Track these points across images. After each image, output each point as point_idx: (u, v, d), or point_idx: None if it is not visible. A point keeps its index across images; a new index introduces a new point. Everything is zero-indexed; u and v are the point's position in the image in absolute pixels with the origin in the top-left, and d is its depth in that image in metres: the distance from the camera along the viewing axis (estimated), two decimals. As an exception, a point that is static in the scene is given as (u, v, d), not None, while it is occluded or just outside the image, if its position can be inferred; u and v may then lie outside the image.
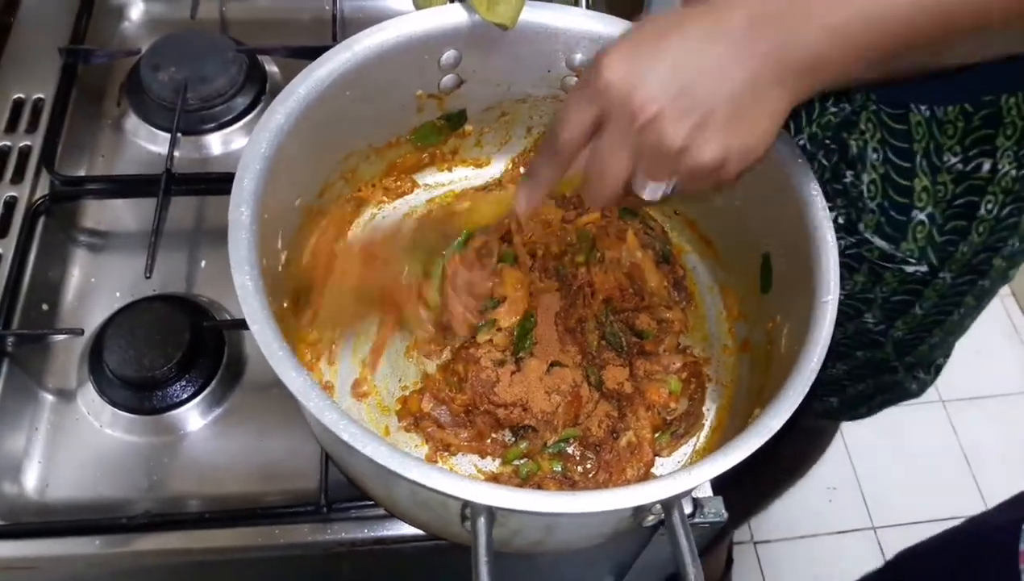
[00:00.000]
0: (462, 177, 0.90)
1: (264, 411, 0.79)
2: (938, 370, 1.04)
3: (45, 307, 0.83)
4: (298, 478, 0.76)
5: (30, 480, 0.75)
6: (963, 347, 1.04)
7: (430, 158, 0.88)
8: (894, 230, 0.80)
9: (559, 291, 0.83)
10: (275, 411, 0.79)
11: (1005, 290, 2.20)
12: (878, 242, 0.81)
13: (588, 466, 0.76)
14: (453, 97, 0.82)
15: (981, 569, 0.83)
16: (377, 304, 0.79)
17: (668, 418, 0.78)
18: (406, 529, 0.72)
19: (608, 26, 0.76)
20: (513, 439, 0.76)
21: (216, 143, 0.97)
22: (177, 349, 0.78)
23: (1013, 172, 0.74)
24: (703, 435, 0.79)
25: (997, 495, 0.90)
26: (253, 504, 0.74)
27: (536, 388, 0.76)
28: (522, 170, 0.91)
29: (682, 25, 0.55)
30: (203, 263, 0.88)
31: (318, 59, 0.71)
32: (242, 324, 0.59)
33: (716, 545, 1.66)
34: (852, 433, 1.92)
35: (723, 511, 0.71)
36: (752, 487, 1.50)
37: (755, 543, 1.82)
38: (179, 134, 0.92)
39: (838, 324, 0.91)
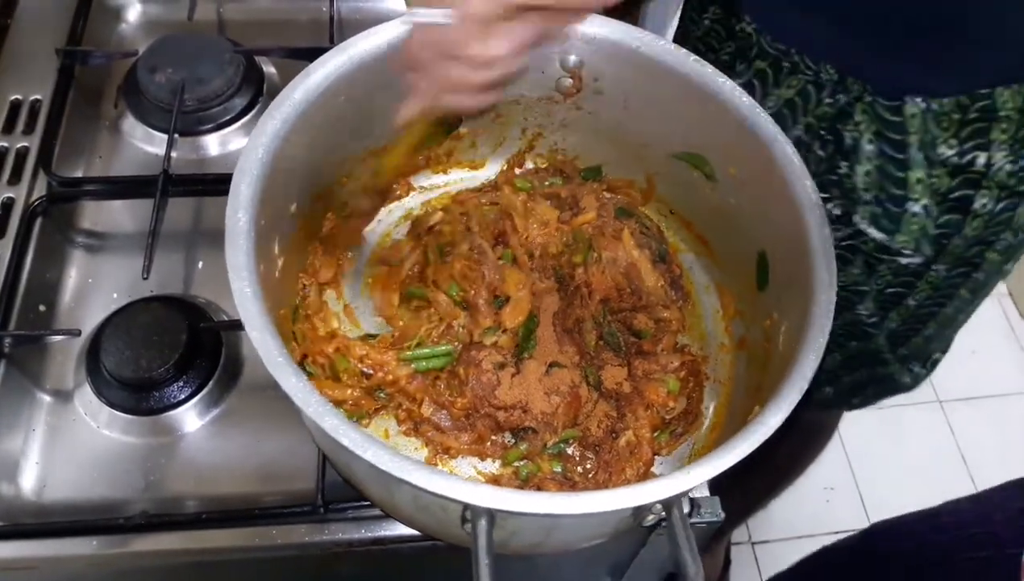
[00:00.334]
0: (457, 179, 0.91)
1: (261, 412, 0.79)
2: (934, 364, 1.04)
3: (42, 308, 0.83)
4: (295, 479, 0.76)
5: (27, 481, 0.75)
6: (960, 347, 1.04)
7: (425, 161, 0.88)
8: (889, 221, 0.80)
9: (557, 292, 0.83)
10: (272, 412, 0.79)
11: (1002, 290, 2.21)
12: (873, 233, 0.81)
13: (588, 466, 0.76)
14: (448, 99, 0.82)
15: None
16: None
17: (667, 417, 0.78)
18: (403, 530, 0.72)
19: (601, 28, 0.76)
20: (513, 441, 0.76)
21: (213, 144, 0.97)
22: (174, 350, 0.78)
23: (1008, 166, 0.75)
24: (702, 433, 0.79)
25: (994, 495, 0.91)
26: (250, 505, 0.74)
27: (536, 390, 0.76)
28: (517, 172, 0.91)
29: None
30: (200, 264, 0.88)
31: (313, 64, 0.71)
32: (239, 325, 0.59)
33: (714, 545, 1.66)
34: (850, 434, 1.92)
35: (720, 511, 0.71)
36: (750, 487, 1.50)
37: (753, 543, 1.82)
38: (176, 135, 0.92)
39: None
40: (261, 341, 0.57)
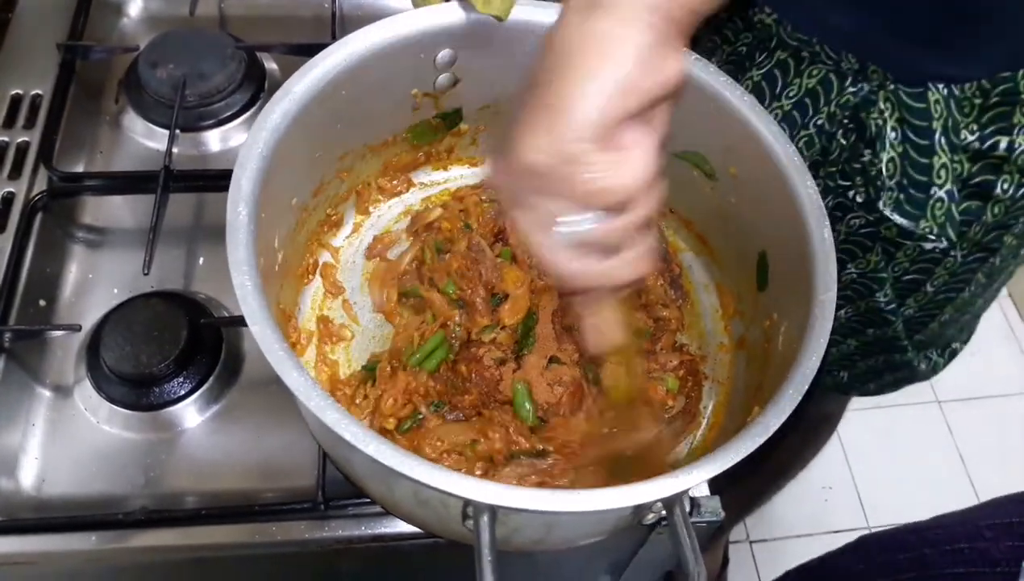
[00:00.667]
0: (458, 176, 0.91)
1: (262, 408, 0.79)
2: (952, 354, 1.04)
3: (43, 303, 0.83)
4: (295, 475, 0.76)
5: (27, 476, 0.75)
6: (960, 348, 1.05)
7: (426, 157, 0.88)
8: (913, 208, 0.80)
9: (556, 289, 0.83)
10: (273, 408, 0.79)
11: (1003, 292, 2.21)
12: (897, 219, 0.81)
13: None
14: (449, 96, 0.82)
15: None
16: None
17: (665, 416, 0.78)
18: (403, 526, 0.72)
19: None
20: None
21: (215, 140, 0.97)
22: (175, 346, 0.78)
23: None
24: (700, 433, 0.79)
25: (992, 495, 0.91)
26: (250, 501, 0.74)
27: (538, 382, 0.76)
28: None
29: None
30: (201, 260, 0.88)
31: (314, 58, 0.71)
32: (240, 321, 0.59)
33: (712, 544, 1.66)
34: (848, 433, 1.92)
35: (720, 510, 0.71)
36: (748, 486, 1.50)
37: (751, 542, 1.82)
38: (177, 131, 0.92)
39: (850, 302, 0.93)
40: (262, 335, 0.57)
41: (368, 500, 0.72)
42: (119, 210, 0.91)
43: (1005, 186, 0.78)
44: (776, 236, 0.74)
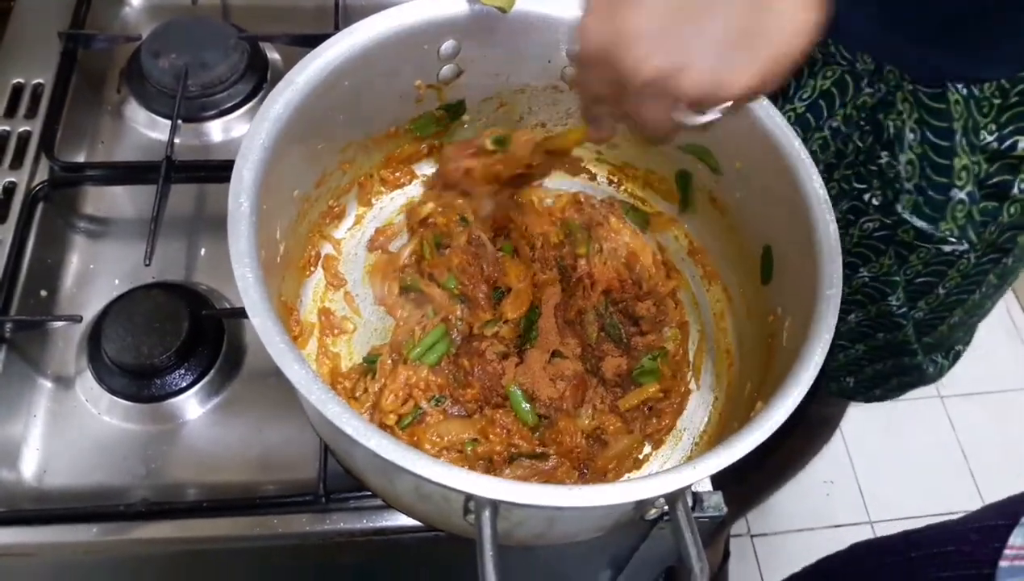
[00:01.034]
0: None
1: (263, 400, 0.79)
2: (956, 357, 1.04)
3: (44, 293, 0.83)
4: (297, 468, 0.75)
5: (28, 467, 0.75)
6: (962, 342, 1.04)
7: (428, 149, 0.88)
8: (932, 210, 0.80)
9: (559, 283, 0.83)
10: (274, 400, 0.79)
11: (1006, 288, 2.21)
12: (916, 222, 0.80)
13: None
14: (452, 87, 0.81)
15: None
16: None
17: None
18: (405, 520, 0.72)
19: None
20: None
21: (217, 130, 0.97)
22: (176, 337, 0.77)
23: None
24: (702, 428, 0.78)
25: (994, 490, 0.91)
26: (251, 493, 0.74)
27: (540, 377, 0.76)
28: None
29: None
30: (203, 251, 0.88)
31: (316, 49, 0.71)
32: (241, 313, 0.58)
33: (714, 539, 1.66)
34: (850, 427, 1.92)
35: (723, 506, 0.71)
36: (751, 480, 1.50)
37: (752, 536, 1.82)
38: (180, 121, 0.92)
39: (860, 306, 0.92)
40: (263, 327, 0.57)
41: (369, 493, 0.72)
42: (120, 200, 0.91)
43: (1022, 186, 0.77)
44: (782, 231, 0.74)
